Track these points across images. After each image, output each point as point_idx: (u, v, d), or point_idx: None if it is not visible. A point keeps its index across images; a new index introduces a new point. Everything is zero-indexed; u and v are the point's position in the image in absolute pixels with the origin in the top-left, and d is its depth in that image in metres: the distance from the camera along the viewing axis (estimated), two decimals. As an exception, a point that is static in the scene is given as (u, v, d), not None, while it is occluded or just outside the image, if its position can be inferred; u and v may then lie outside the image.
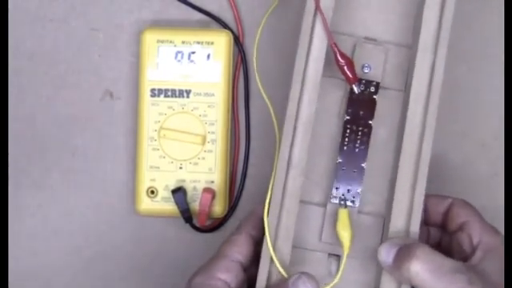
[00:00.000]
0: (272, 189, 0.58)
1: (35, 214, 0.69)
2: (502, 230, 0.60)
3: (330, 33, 0.58)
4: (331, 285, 0.58)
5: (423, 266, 0.54)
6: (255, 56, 0.68)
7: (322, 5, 0.58)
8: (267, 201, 0.58)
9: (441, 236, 0.62)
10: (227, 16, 0.69)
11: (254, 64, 0.68)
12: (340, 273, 0.58)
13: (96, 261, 0.69)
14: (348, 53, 0.60)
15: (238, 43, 0.68)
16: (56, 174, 0.69)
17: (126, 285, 0.69)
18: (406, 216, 0.57)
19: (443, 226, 0.61)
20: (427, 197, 0.60)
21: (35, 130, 0.70)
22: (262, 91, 0.66)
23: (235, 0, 0.68)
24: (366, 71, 0.61)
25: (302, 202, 0.60)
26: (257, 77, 0.67)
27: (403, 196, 0.58)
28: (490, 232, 0.58)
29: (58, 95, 0.70)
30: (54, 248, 0.69)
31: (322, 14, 0.58)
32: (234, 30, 0.69)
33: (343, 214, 0.59)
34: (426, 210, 0.61)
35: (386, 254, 0.56)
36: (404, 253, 0.55)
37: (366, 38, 0.62)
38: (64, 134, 0.70)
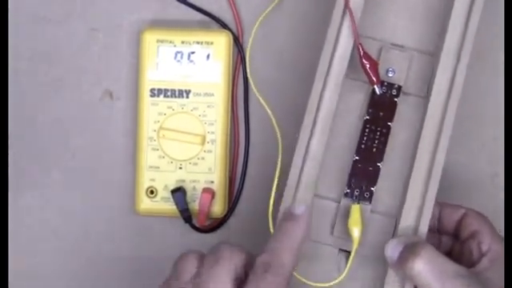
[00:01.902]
0: (277, 185, 0.59)
1: (35, 214, 0.69)
2: (501, 229, 0.60)
3: (357, 32, 0.59)
4: (340, 278, 0.58)
5: (425, 267, 0.55)
6: (249, 56, 0.68)
7: (351, 4, 0.60)
8: (271, 201, 0.59)
9: (452, 244, 0.62)
10: (227, 16, 0.69)
11: (248, 66, 0.68)
12: (348, 266, 0.59)
13: (96, 261, 0.69)
14: (373, 56, 0.61)
15: (238, 43, 0.68)
16: (56, 174, 0.70)
17: (126, 285, 0.69)
18: (416, 215, 0.58)
19: (455, 235, 0.62)
20: (442, 205, 0.61)
21: (35, 130, 0.70)
22: (256, 93, 0.66)
23: (235, 0, 0.69)
24: (390, 75, 0.62)
25: (316, 196, 0.61)
26: (251, 80, 0.67)
27: (415, 195, 0.58)
28: (500, 242, 0.59)
29: (58, 95, 0.70)
30: (53, 248, 0.69)
31: (350, 12, 0.59)
32: (234, 30, 0.69)
33: (355, 209, 0.60)
34: (439, 218, 0.62)
35: (392, 251, 0.57)
36: (409, 251, 0.56)
37: (393, 44, 0.63)
38: (64, 134, 0.70)
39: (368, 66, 0.59)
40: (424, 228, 0.58)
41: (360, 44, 0.59)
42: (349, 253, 0.61)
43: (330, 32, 0.60)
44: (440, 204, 0.61)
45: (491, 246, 0.58)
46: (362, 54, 0.59)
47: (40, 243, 0.69)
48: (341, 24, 0.60)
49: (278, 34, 0.69)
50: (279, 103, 0.66)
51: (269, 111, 0.63)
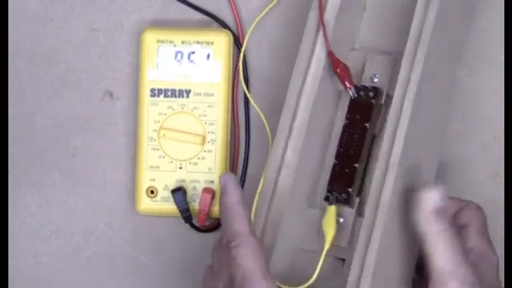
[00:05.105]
0: (262, 187, 0.60)
1: (35, 214, 0.69)
2: (501, 229, 0.60)
3: (328, 41, 0.60)
4: (311, 280, 0.58)
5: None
6: (241, 58, 0.67)
7: (324, 17, 0.61)
8: (256, 200, 0.59)
9: None
10: (227, 16, 0.69)
11: (241, 68, 0.68)
12: (319, 267, 0.58)
13: (96, 261, 0.69)
14: (359, 63, 0.62)
15: (238, 43, 0.68)
16: (56, 174, 0.70)
17: (126, 284, 0.69)
18: (374, 212, 0.57)
19: None
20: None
21: (35, 130, 0.70)
22: (247, 94, 0.67)
23: (235, 0, 0.69)
24: (376, 80, 0.62)
25: (303, 204, 0.61)
26: (242, 82, 0.68)
27: (374, 192, 0.57)
28: (486, 242, 0.58)
29: (58, 95, 0.70)
30: (53, 248, 0.69)
31: (323, 24, 0.60)
32: (234, 30, 0.69)
33: (330, 210, 0.60)
34: None
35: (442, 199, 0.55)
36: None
37: (379, 52, 0.63)
38: (64, 134, 0.70)
39: (338, 70, 0.60)
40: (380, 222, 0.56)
41: (331, 52, 0.60)
42: (343, 260, 0.61)
43: (305, 42, 0.60)
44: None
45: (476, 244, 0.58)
46: (332, 60, 0.60)
47: (40, 243, 0.69)
48: (316, 33, 0.61)
49: (276, 34, 0.69)
50: (278, 103, 0.66)
51: (263, 116, 0.64)
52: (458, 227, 0.59)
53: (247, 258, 0.54)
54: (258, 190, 0.60)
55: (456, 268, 0.53)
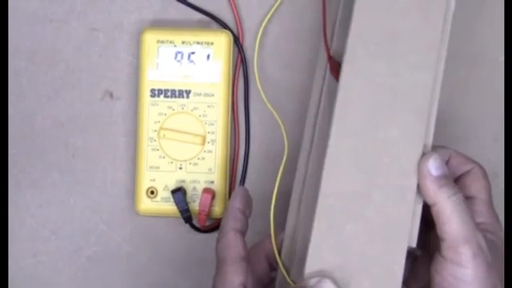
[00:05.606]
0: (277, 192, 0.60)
1: (35, 214, 0.69)
2: (501, 229, 0.60)
3: (327, 44, 0.60)
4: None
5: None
6: (256, 59, 0.67)
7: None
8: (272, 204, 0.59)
9: None
10: (227, 16, 0.69)
11: (255, 68, 0.67)
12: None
13: (96, 261, 0.69)
14: None
15: (238, 43, 0.68)
16: (56, 174, 0.70)
17: (126, 285, 0.69)
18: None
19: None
20: (452, 155, 0.58)
21: (35, 130, 0.70)
22: (263, 96, 0.66)
23: (235, 0, 0.69)
24: None
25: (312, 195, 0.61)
26: (258, 82, 0.67)
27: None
28: (492, 212, 0.57)
29: (58, 95, 0.70)
30: (53, 248, 0.69)
31: (324, 28, 0.61)
32: (234, 30, 0.69)
33: None
34: (447, 163, 0.58)
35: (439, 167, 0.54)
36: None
37: None
38: (64, 134, 0.70)
39: (331, 67, 0.60)
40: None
41: (330, 56, 0.60)
42: None
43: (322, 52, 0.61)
44: (452, 151, 0.59)
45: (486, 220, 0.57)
46: (327, 57, 0.60)
47: (40, 243, 0.69)
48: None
49: (277, 34, 0.69)
50: (283, 104, 0.66)
51: (277, 116, 0.64)
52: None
53: (222, 249, 0.57)
54: (274, 194, 0.60)
55: (471, 233, 0.52)
